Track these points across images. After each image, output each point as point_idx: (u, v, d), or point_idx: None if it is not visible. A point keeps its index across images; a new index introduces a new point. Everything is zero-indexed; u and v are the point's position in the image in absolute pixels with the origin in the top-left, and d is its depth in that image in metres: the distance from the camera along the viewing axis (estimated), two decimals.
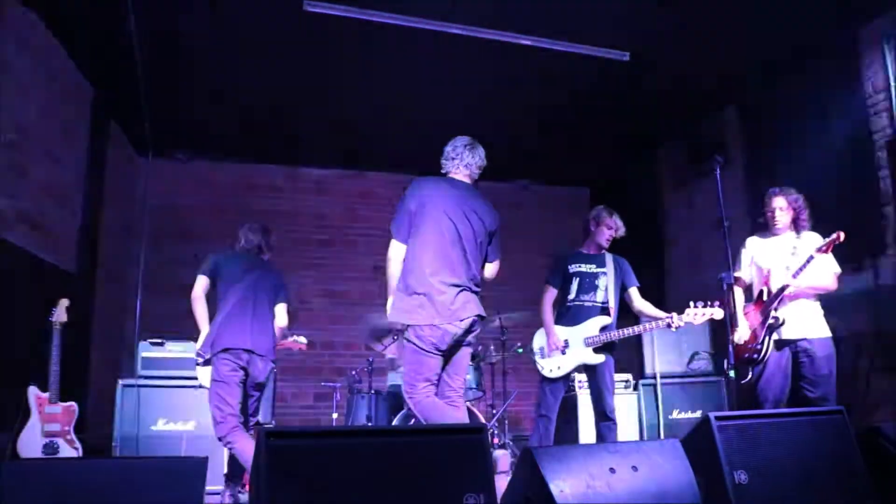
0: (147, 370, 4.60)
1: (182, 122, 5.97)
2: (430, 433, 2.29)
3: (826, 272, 3.68)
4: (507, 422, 5.48)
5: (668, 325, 3.92)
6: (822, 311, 3.72)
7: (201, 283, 3.80)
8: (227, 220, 5.52)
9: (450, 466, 2.10)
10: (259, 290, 3.82)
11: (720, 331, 3.79)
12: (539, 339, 4.26)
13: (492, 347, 5.50)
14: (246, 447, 3.43)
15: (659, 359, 5.14)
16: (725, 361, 3.47)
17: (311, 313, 6.72)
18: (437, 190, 3.24)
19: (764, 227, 3.93)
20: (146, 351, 4.64)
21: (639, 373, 5.27)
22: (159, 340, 4.69)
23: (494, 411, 5.39)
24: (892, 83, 4.21)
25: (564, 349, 4.08)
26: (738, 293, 3.92)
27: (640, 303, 4.20)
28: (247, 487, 3.76)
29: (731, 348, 3.49)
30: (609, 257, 4.23)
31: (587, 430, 4.82)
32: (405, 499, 2.01)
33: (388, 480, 2.01)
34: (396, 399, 5.06)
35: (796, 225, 3.78)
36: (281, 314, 3.93)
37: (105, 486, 2.14)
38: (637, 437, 5.02)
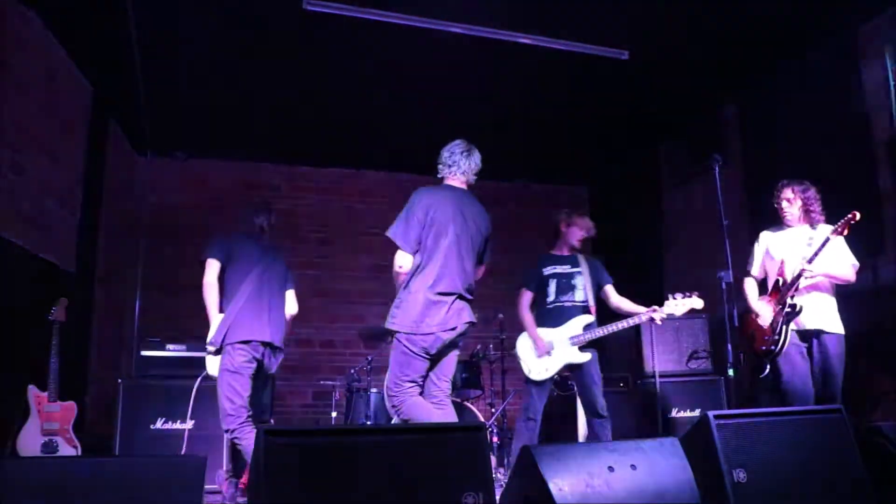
0: (146, 369, 4.60)
1: (181, 122, 5.96)
2: (429, 432, 2.28)
3: (843, 261, 3.61)
4: (505, 420, 5.47)
5: (651, 319, 3.94)
6: (836, 306, 3.65)
7: (214, 269, 3.63)
8: (227, 219, 5.52)
9: (448, 465, 2.10)
10: (272, 279, 3.74)
11: (719, 330, 3.77)
12: (523, 343, 4.27)
13: (491, 346, 5.50)
14: (252, 444, 3.40)
15: (658, 357, 5.13)
16: (734, 357, 3.44)
17: (310, 312, 6.71)
18: (440, 200, 3.29)
19: (769, 222, 3.92)
20: (145, 349, 4.64)
21: (638, 371, 5.27)
22: (158, 339, 4.70)
23: (493, 410, 5.39)
24: (892, 82, 4.21)
25: (550, 350, 4.12)
26: (753, 285, 3.89)
27: (616, 299, 4.24)
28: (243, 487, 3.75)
29: (729, 347, 3.48)
30: (581, 257, 4.30)
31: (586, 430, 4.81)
32: (404, 497, 2.01)
33: (386, 479, 2.01)
34: None
35: (810, 218, 3.72)
36: (291, 301, 3.87)
37: (104, 484, 2.14)
38: (635, 436, 5.01)
